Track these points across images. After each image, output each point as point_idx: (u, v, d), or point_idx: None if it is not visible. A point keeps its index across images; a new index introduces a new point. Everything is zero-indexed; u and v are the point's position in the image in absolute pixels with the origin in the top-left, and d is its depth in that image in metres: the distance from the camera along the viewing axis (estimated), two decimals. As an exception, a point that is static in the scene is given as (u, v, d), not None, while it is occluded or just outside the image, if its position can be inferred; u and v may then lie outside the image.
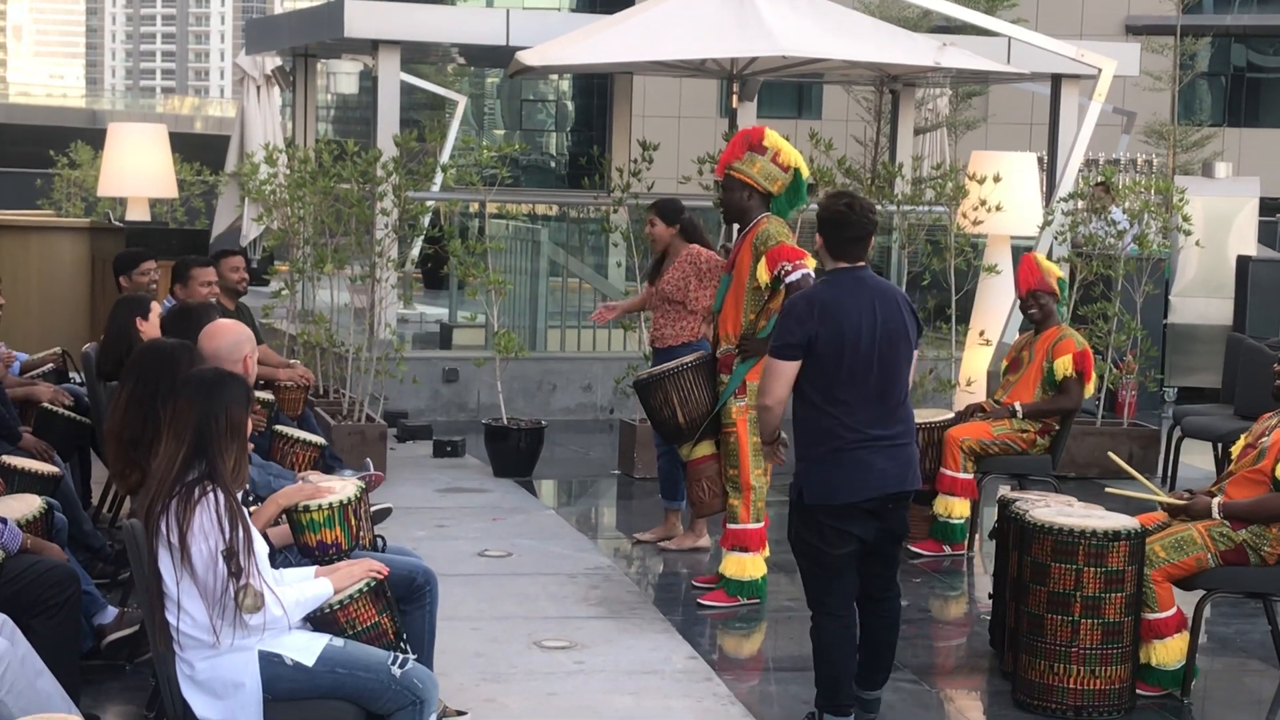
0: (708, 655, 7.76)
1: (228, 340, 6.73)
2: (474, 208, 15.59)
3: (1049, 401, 9.69)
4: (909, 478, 6.54)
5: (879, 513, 6.40)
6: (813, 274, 7.74)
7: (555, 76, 37.96)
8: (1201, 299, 16.22)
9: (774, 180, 8.01)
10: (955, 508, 9.51)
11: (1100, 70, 13.59)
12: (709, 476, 8.31)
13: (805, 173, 8.14)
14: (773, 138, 8.07)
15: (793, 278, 7.82)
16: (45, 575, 6.09)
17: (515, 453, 11.92)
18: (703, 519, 9.48)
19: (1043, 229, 13.09)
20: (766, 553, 8.51)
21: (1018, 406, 9.64)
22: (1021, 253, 12.77)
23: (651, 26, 12.04)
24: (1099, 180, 14.25)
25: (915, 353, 6.75)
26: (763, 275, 7.94)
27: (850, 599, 6.50)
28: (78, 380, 9.79)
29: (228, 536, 5.02)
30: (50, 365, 10.06)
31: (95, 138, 22.04)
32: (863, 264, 6.54)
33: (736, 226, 8.44)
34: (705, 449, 8.36)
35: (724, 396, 8.23)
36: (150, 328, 8.23)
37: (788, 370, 6.34)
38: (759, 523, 8.34)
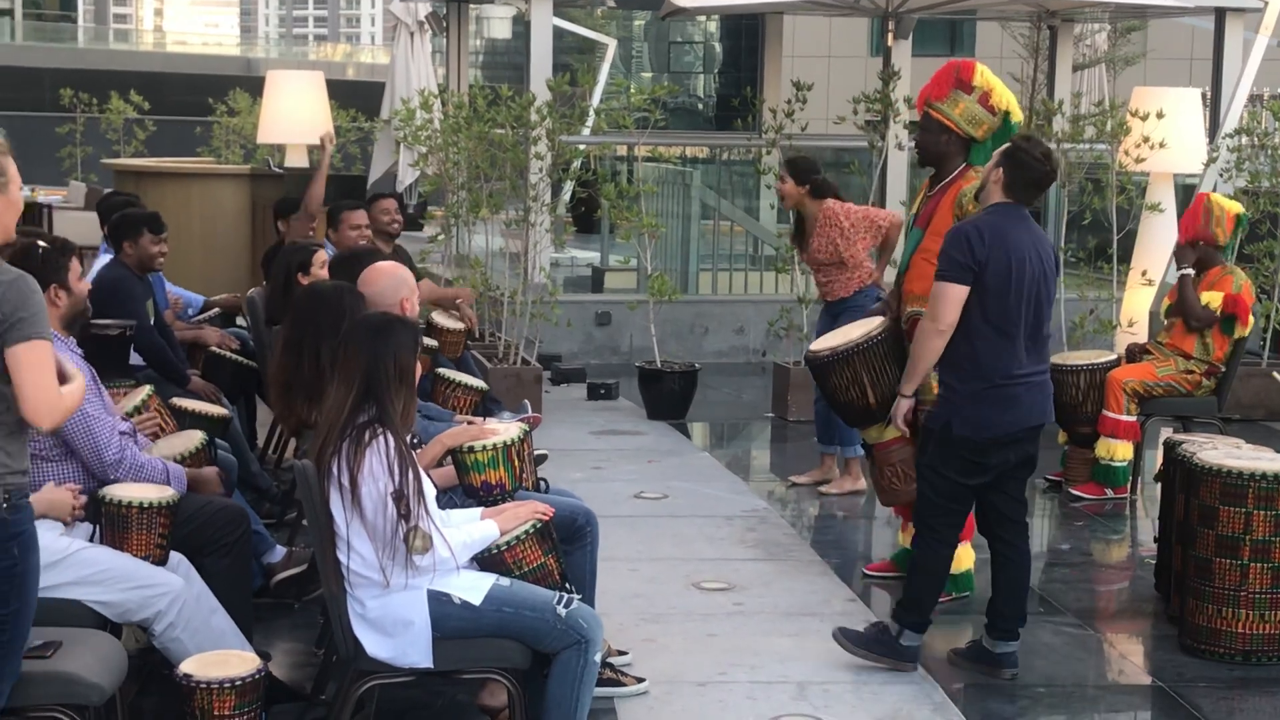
0: (865, 597, 7.74)
1: (386, 283, 6.76)
2: (625, 151, 15.60)
3: (1210, 343, 9.49)
4: (1049, 410, 6.74)
5: (1016, 443, 6.49)
6: None
7: (704, 18, 37.73)
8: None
9: (979, 124, 7.32)
10: (1118, 450, 9.39)
11: (1267, 2, 13.31)
12: (901, 460, 7.47)
13: (1017, 117, 7.58)
14: (985, 75, 7.28)
15: None
16: (217, 515, 6.20)
17: (668, 395, 11.94)
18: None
19: (1207, 166, 12.87)
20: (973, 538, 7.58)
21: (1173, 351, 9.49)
22: (1185, 191, 12.59)
23: (806, -35, 11.98)
24: None
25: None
26: None
27: (957, 534, 6.68)
28: (244, 324, 9.93)
29: (397, 480, 5.07)
30: (217, 310, 10.23)
31: (251, 85, 22.27)
32: (1024, 209, 6.57)
33: (929, 171, 7.68)
34: (895, 431, 7.40)
35: None
36: (315, 278, 8.28)
37: (959, 294, 6.33)
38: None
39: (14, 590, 4.52)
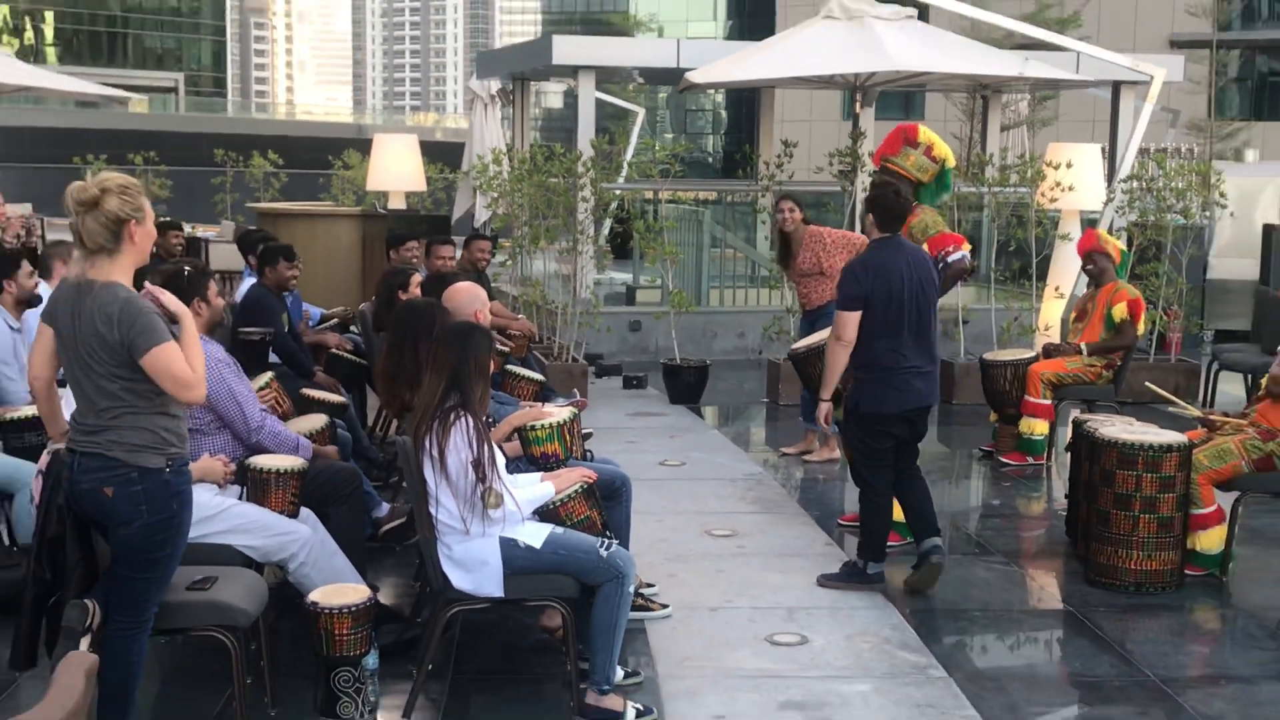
0: (840, 541, 7.74)
1: (464, 299, 6.83)
2: (651, 195, 15.61)
3: (1109, 340, 9.56)
4: (935, 394, 6.97)
5: (908, 420, 6.81)
6: (968, 256, 7.53)
7: (712, 91, 37.73)
8: (1234, 259, 16.03)
9: (925, 171, 7.47)
10: (1037, 427, 9.39)
11: (1152, 78, 13.29)
12: None
13: (952, 163, 7.65)
14: (926, 134, 7.44)
15: (953, 258, 7.55)
16: (334, 475, 6.23)
17: (686, 385, 11.95)
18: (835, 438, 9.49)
19: (1106, 205, 12.87)
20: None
21: (1083, 346, 9.55)
22: (1088, 224, 12.61)
23: (791, 50, 11.95)
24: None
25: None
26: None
27: (889, 484, 6.87)
28: (356, 331, 9.97)
29: (475, 451, 5.10)
30: (336, 319, 10.27)
31: (361, 145, 22.31)
32: (898, 235, 6.86)
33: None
34: None
35: None
36: (411, 295, 8.33)
37: (855, 318, 6.63)
38: None
39: (171, 536, 4.55)
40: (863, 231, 7.02)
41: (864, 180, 12.32)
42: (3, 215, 10.12)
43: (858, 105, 12.77)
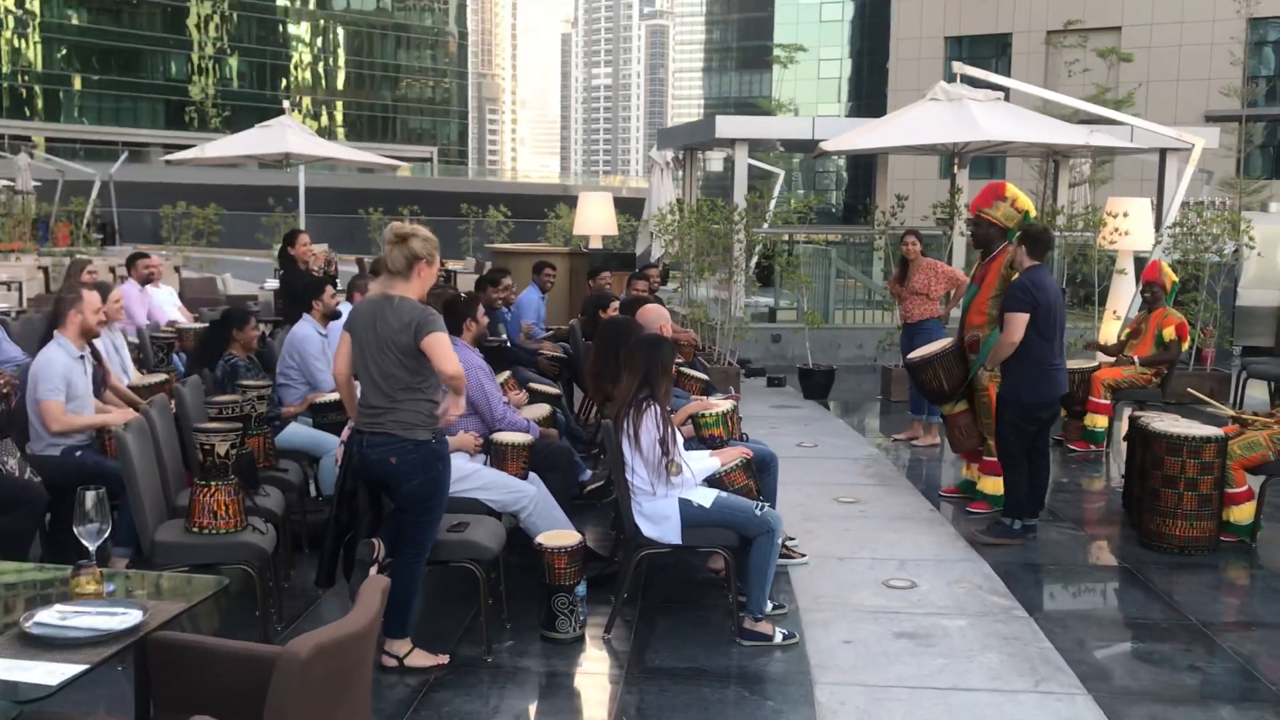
0: (940, 509, 7.58)
1: (652, 316, 6.90)
2: (788, 237, 15.51)
3: (1159, 355, 9.23)
4: (1066, 386, 6.93)
5: (1051, 405, 6.85)
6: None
7: (837, 156, 37.39)
8: (1259, 289, 15.28)
9: (1012, 219, 7.32)
10: (1099, 421, 9.10)
11: (1193, 145, 12.78)
12: (963, 425, 7.51)
13: (1033, 213, 7.50)
14: (1011, 189, 7.27)
15: None
16: (553, 449, 6.28)
17: (817, 385, 11.83)
18: (931, 427, 9.36)
19: (1155, 246, 12.41)
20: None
21: (1136, 358, 9.24)
22: (1139, 261, 12.19)
23: (904, 125, 11.76)
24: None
25: None
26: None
27: (1025, 455, 6.86)
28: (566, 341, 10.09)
29: (661, 431, 5.12)
30: (553, 331, 10.41)
31: (568, 200, 22.62)
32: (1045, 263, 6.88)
33: (980, 250, 7.52)
34: (960, 406, 7.48)
35: (974, 370, 7.36)
36: (610, 314, 8.39)
37: (1024, 319, 6.58)
38: None
39: (438, 491, 4.67)
40: (1013, 261, 6.87)
41: (960, 226, 12.09)
42: (309, 251, 10.45)
43: (955, 167, 12.50)
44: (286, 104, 18.35)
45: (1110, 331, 12.10)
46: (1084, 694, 4.67)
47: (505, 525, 5.43)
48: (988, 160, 33.17)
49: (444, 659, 4.83)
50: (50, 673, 2.73)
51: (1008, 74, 23.52)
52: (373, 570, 4.55)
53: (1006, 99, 12.26)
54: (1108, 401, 9.13)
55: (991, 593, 5.89)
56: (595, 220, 15.32)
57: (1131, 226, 12.00)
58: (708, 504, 5.18)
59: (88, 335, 5.95)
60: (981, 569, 6.26)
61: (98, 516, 3.28)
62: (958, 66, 12.43)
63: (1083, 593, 6.22)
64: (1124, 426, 8.37)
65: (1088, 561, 6.72)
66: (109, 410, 6.06)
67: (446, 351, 4.49)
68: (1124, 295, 12.14)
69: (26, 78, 71.03)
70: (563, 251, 15.47)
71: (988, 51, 42.56)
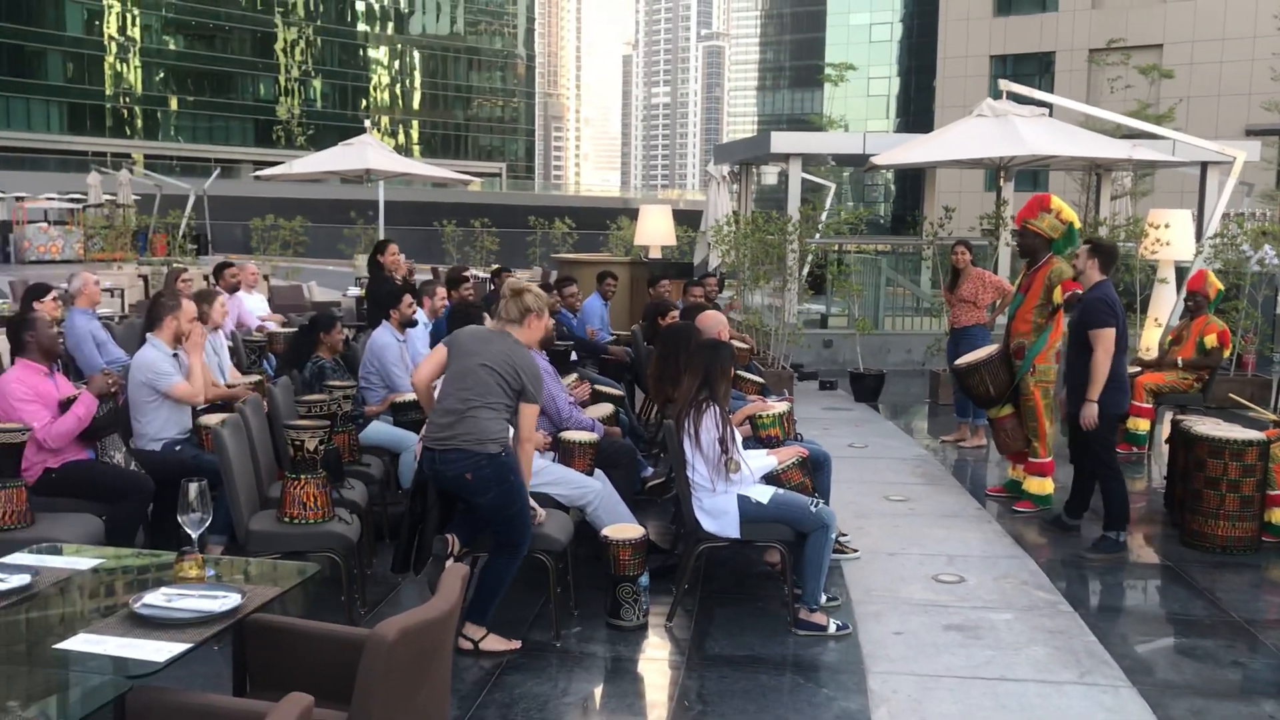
0: (986, 507, 7.50)
1: (711, 322, 6.83)
2: (839, 247, 15.41)
3: (1201, 360, 9.04)
4: None
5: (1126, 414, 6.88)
6: None
7: (887, 170, 37.15)
8: (1299, 297, 14.93)
9: (1056, 230, 7.24)
10: (1141, 425, 8.92)
11: (1235, 158, 12.53)
12: (1009, 429, 7.44)
13: (1077, 225, 7.38)
14: (1056, 201, 7.18)
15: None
16: (617, 447, 6.28)
17: (867, 388, 11.74)
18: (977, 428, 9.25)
19: (1196, 256, 12.18)
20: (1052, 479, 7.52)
21: (1179, 360, 9.08)
22: (1180, 271, 11.97)
23: (952, 140, 11.65)
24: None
25: None
26: (1057, 297, 7.15)
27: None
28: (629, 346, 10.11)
29: (720, 431, 5.11)
30: (616, 337, 10.44)
31: (629, 213, 22.63)
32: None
33: (1026, 260, 7.45)
34: (1006, 410, 7.40)
35: (1019, 374, 7.31)
36: (670, 320, 8.40)
37: (1113, 334, 6.39)
38: (1049, 458, 7.44)
39: (516, 499, 4.71)
40: (1080, 273, 6.73)
41: (1006, 237, 11.95)
42: (397, 261, 10.55)
43: (1000, 180, 12.37)
44: (367, 123, 18.57)
45: (1151, 338, 11.89)
46: (1128, 686, 4.60)
47: (573, 518, 5.46)
48: (1032, 173, 32.67)
49: (516, 644, 4.87)
50: (157, 650, 2.80)
51: (1051, 91, 23.22)
52: (448, 564, 4.59)
53: (1050, 115, 12.10)
54: (1149, 405, 8.97)
55: (1037, 588, 5.81)
56: (655, 231, 15.33)
57: (1173, 237, 11.77)
58: (765, 500, 5.16)
59: (180, 340, 6.07)
60: (1027, 565, 6.18)
61: (200, 506, 3.35)
62: (1004, 84, 12.30)
63: (1126, 589, 6.12)
64: (1165, 430, 8.23)
65: (1131, 559, 6.61)
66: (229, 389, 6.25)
67: (532, 422, 4.73)
68: (1165, 303, 11.92)
69: (127, 99, 72.54)
70: (624, 261, 15.49)
71: (1031, 69, 42.01)
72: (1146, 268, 12.23)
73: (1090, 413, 6.46)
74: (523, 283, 4.84)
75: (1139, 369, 9.21)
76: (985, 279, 9.28)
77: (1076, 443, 6.79)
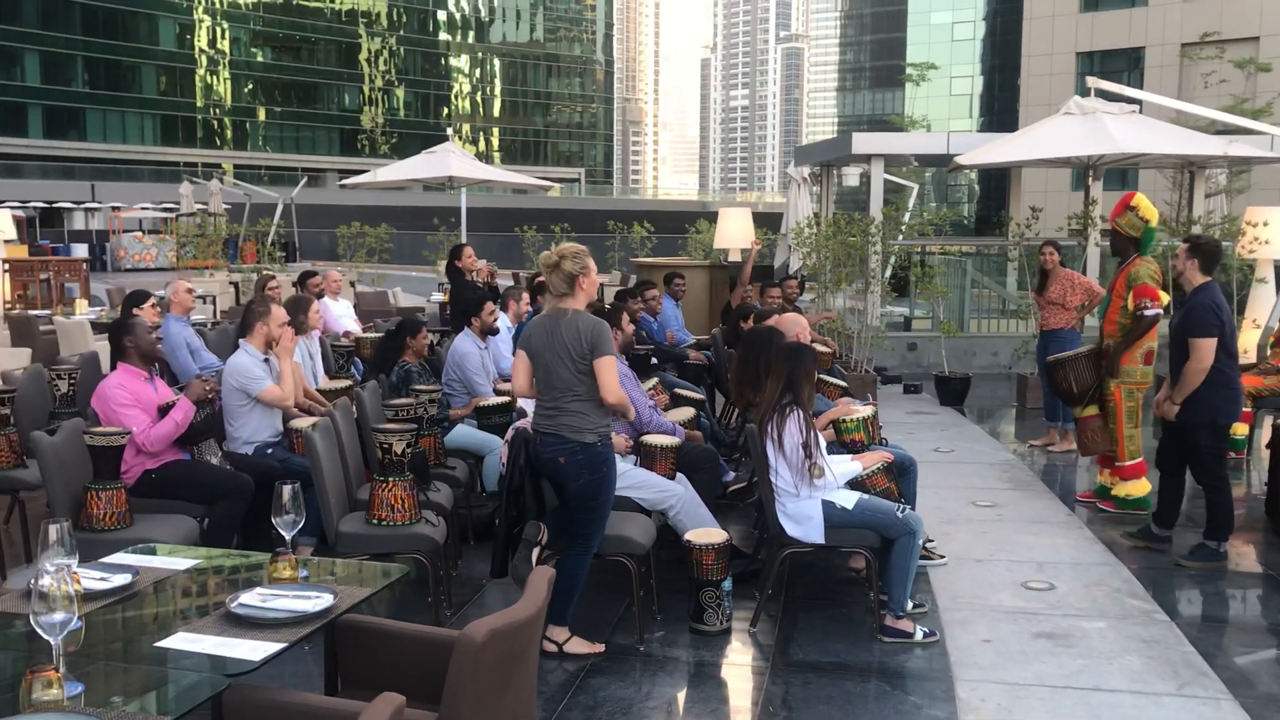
0: (1076, 512, 7.34)
1: (791, 325, 6.83)
2: (922, 248, 15.22)
3: None
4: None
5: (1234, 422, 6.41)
6: (1160, 313, 7.07)
7: (970, 170, 36.63)
8: None
9: (1135, 229, 7.13)
10: (1239, 429, 8.67)
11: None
12: (1093, 428, 7.35)
13: (1155, 222, 7.25)
14: (1138, 199, 7.10)
15: (1149, 313, 7.10)
16: (699, 451, 6.28)
17: (953, 391, 11.57)
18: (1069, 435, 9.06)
19: (1296, 255, 11.82)
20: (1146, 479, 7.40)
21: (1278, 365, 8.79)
22: (1279, 270, 11.61)
23: (1039, 138, 11.44)
24: None
25: None
26: (1130, 303, 7.06)
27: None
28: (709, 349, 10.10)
29: (804, 435, 5.08)
30: (696, 341, 10.44)
31: (708, 216, 22.62)
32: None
33: (1118, 260, 7.35)
34: (1091, 410, 7.33)
35: (1105, 375, 7.23)
36: (751, 324, 8.37)
37: (1213, 343, 6.10)
38: (1131, 461, 7.30)
39: (603, 491, 4.73)
40: (1180, 275, 6.55)
41: (1095, 237, 11.71)
42: (473, 263, 10.67)
43: (1089, 179, 12.12)
44: (449, 130, 18.82)
45: (1249, 340, 11.52)
46: (1229, 699, 4.46)
47: (655, 522, 5.46)
48: (1121, 172, 31.97)
49: (600, 647, 4.89)
50: (253, 649, 2.86)
51: (1140, 88, 22.67)
52: (535, 552, 4.64)
53: (1140, 112, 11.82)
54: (1248, 409, 8.69)
55: (1131, 596, 5.67)
56: (735, 234, 15.26)
57: (1271, 235, 11.41)
58: (850, 506, 5.11)
59: (271, 345, 6.20)
60: (1120, 573, 6.03)
61: (293, 509, 3.41)
62: (1091, 81, 12.04)
63: (1224, 598, 5.93)
64: (1265, 435, 7.97)
65: (1229, 567, 6.41)
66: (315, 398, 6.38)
67: (610, 377, 4.59)
68: (1264, 304, 11.55)
69: (217, 110, 74.46)
70: (703, 264, 15.47)
71: (1120, 66, 41.03)
72: (1244, 267, 11.86)
73: (1167, 410, 6.35)
74: (554, 252, 4.73)
75: (1237, 372, 8.95)
76: (1074, 280, 9.10)
77: (1173, 450, 6.56)
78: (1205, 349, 6.10)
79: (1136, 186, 32.13)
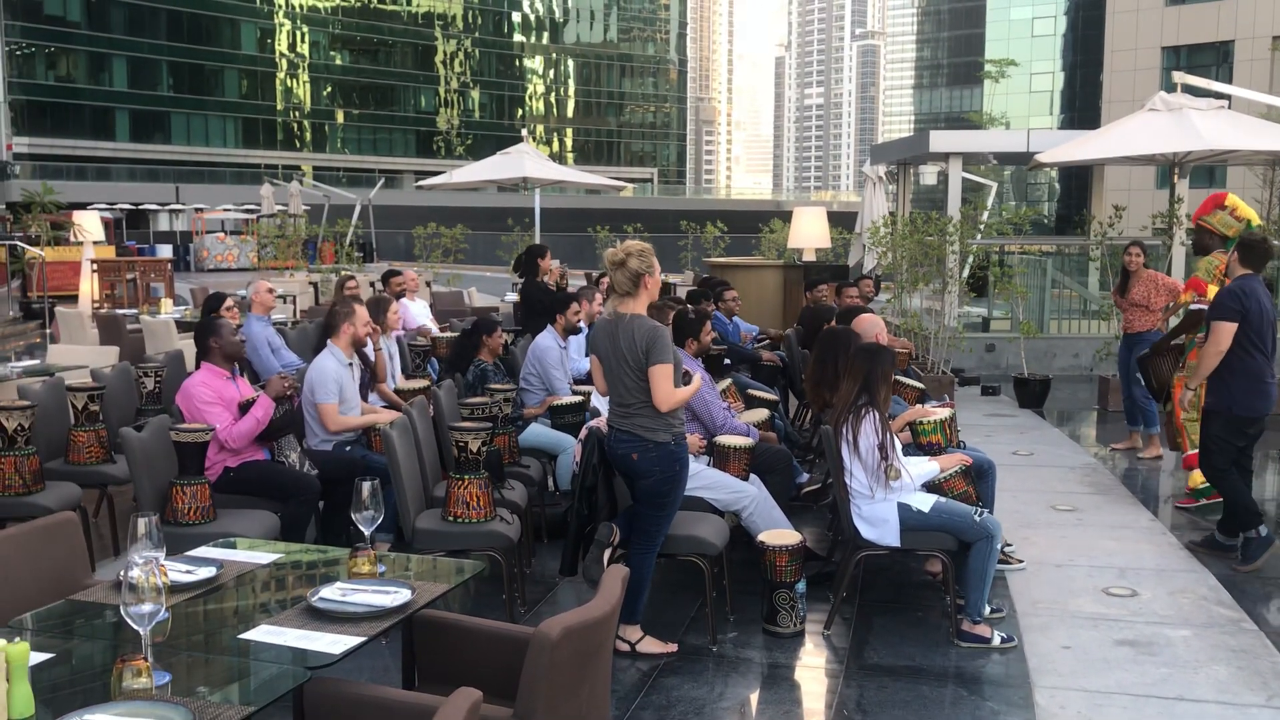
0: (1161, 518, 7.18)
1: (868, 325, 6.78)
2: (1001, 248, 14.99)
3: None
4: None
5: (1260, 420, 6.21)
6: (1205, 309, 6.91)
7: (1050, 168, 36.00)
8: None
9: (1229, 227, 6.98)
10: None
11: None
12: (1169, 422, 7.32)
13: (1256, 221, 7.07)
14: (1232, 199, 6.97)
15: (1193, 306, 7.01)
16: (772, 453, 6.26)
17: (1032, 393, 11.37)
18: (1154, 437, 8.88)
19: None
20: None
21: None
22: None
23: (1123, 135, 11.19)
24: None
25: None
26: (1185, 297, 7.04)
27: (1232, 468, 6.28)
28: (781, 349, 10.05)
29: (880, 437, 5.03)
30: (767, 339, 10.38)
31: (782, 216, 22.52)
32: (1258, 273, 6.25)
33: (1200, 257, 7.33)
34: (1171, 404, 7.27)
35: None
36: (829, 325, 8.32)
37: (1231, 329, 6.00)
38: (1194, 450, 7.16)
39: (674, 490, 4.73)
40: (1227, 268, 6.45)
41: (1180, 236, 11.44)
42: (548, 265, 10.74)
43: (1175, 177, 11.83)
44: (523, 131, 18.98)
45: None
46: (1321, 712, 4.33)
47: (728, 523, 5.45)
48: (1208, 170, 31.22)
49: (673, 647, 4.89)
50: (334, 643, 2.91)
51: (1229, 82, 22.09)
52: (606, 552, 4.66)
53: (1229, 107, 11.51)
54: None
55: (1217, 604, 5.53)
56: (809, 234, 15.19)
57: (1368, 233, 11.06)
58: (926, 509, 5.06)
59: (357, 345, 6.30)
60: (1206, 580, 5.89)
61: (372, 505, 3.47)
62: (1178, 76, 11.75)
63: (1317, 609, 5.77)
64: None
65: (1322, 577, 6.23)
66: (376, 411, 6.42)
67: (663, 384, 4.56)
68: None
69: (297, 113, 75.90)
70: (777, 264, 15.41)
71: (1208, 60, 39.98)
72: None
73: (1185, 397, 6.37)
74: (620, 250, 4.70)
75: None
76: (1158, 281, 8.90)
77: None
78: (1223, 332, 6.03)
79: (1225, 184, 31.30)
